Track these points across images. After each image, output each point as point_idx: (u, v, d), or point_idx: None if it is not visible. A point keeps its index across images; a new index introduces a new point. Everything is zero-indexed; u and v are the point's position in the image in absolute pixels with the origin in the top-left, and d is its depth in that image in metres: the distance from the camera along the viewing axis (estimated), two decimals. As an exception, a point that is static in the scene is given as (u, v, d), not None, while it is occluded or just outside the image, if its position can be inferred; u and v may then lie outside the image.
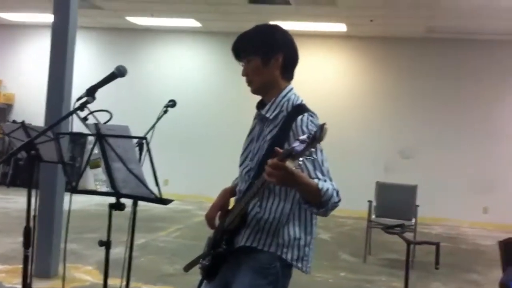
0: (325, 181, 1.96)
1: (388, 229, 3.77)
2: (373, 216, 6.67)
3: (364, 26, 9.31)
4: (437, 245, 3.19)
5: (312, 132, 1.69)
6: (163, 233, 7.42)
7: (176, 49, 10.96)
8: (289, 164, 1.75)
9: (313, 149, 1.74)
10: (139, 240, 6.58)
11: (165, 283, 5.06)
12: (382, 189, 6.93)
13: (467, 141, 9.71)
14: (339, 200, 1.96)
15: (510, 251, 2.66)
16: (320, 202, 1.91)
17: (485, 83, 9.60)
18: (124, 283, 3.16)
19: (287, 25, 10.08)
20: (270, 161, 1.74)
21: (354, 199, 8.15)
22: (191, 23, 10.02)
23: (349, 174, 9.93)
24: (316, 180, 1.92)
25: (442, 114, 9.85)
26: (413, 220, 6.52)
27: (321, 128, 1.71)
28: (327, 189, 1.91)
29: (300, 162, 1.79)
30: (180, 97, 9.95)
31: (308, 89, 9.96)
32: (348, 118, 10.17)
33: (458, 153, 9.72)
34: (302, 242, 2.11)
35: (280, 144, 1.89)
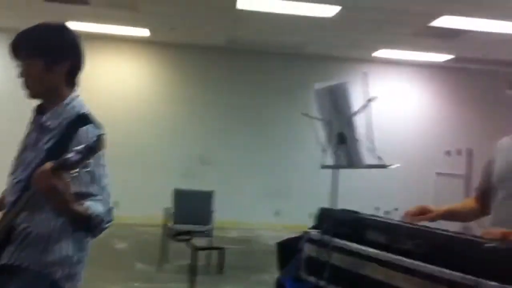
0: (100, 200, 1.87)
1: (176, 236, 3.77)
2: (171, 223, 6.66)
3: (167, 33, 9.32)
4: (222, 250, 3.25)
5: (90, 144, 1.61)
6: None
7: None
8: (63, 175, 1.66)
9: (89, 161, 1.66)
10: None
11: None
12: (180, 195, 6.97)
13: (262, 148, 10.25)
14: (110, 221, 1.90)
15: (286, 252, 2.80)
16: (87, 227, 1.84)
17: (281, 94, 10.18)
18: None
19: (85, 27, 9.45)
20: (40, 168, 1.65)
21: (153, 207, 8.08)
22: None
23: (147, 182, 9.85)
24: (87, 203, 1.82)
25: (240, 122, 10.27)
26: (210, 226, 6.65)
27: (99, 139, 1.63)
28: (98, 214, 1.83)
29: (74, 174, 1.69)
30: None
31: (106, 94, 9.80)
32: (148, 124, 10.07)
33: (253, 159, 10.22)
34: (74, 260, 1.95)
35: (58, 156, 1.72)
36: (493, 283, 1.50)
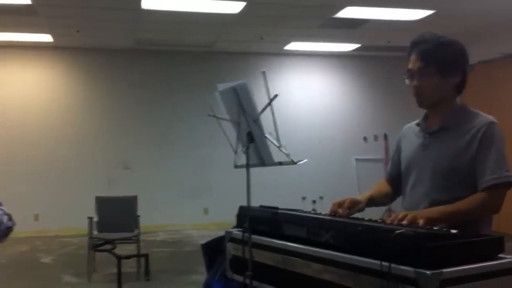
0: None
1: (96, 247, 3.67)
2: (95, 232, 6.46)
3: (71, 37, 9.00)
4: (146, 256, 3.20)
5: None
6: None
7: None
8: None
9: None
10: None
11: None
12: (102, 203, 6.75)
13: (183, 148, 10.13)
14: (14, 224, 1.89)
15: (211, 252, 2.79)
16: None
17: (191, 92, 10.00)
18: None
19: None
20: None
21: (78, 217, 7.82)
22: None
23: (67, 192, 9.53)
24: None
25: (157, 124, 10.12)
26: (136, 231, 6.51)
27: None
28: None
29: None
30: None
31: (11, 106, 9.38)
32: (61, 132, 9.75)
33: (175, 160, 10.09)
34: None
35: None
36: (405, 267, 1.55)
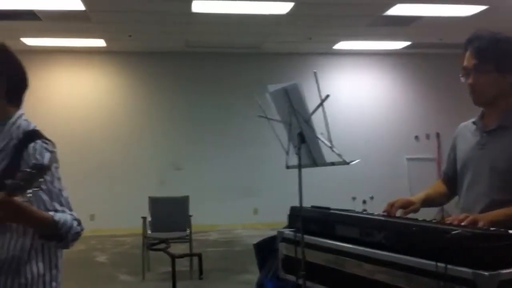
0: (63, 212, 1.86)
1: (152, 246, 3.75)
2: (149, 232, 6.61)
3: (124, 41, 9.23)
4: (199, 256, 3.25)
5: (39, 162, 1.59)
6: None
7: None
8: (18, 198, 1.64)
9: (41, 179, 1.64)
10: None
11: None
12: (155, 203, 6.90)
13: (232, 149, 10.22)
14: (82, 230, 1.90)
15: (263, 252, 2.80)
16: (58, 235, 1.82)
17: (240, 93, 10.05)
18: None
19: (39, 42, 9.23)
20: None
21: (130, 217, 8.01)
22: None
23: (120, 192, 9.76)
24: (51, 213, 1.80)
25: (207, 125, 10.23)
26: (188, 231, 6.62)
27: (47, 155, 1.63)
28: (65, 221, 1.82)
29: (29, 195, 1.67)
30: None
31: (67, 109, 9.69)
32: (114, 134, 9.99)
33: (225, 161, 10.19)
34: (47, 278, 1.92)
35: (12, 176, 1.71)
36: (462, 268, 1.53)
